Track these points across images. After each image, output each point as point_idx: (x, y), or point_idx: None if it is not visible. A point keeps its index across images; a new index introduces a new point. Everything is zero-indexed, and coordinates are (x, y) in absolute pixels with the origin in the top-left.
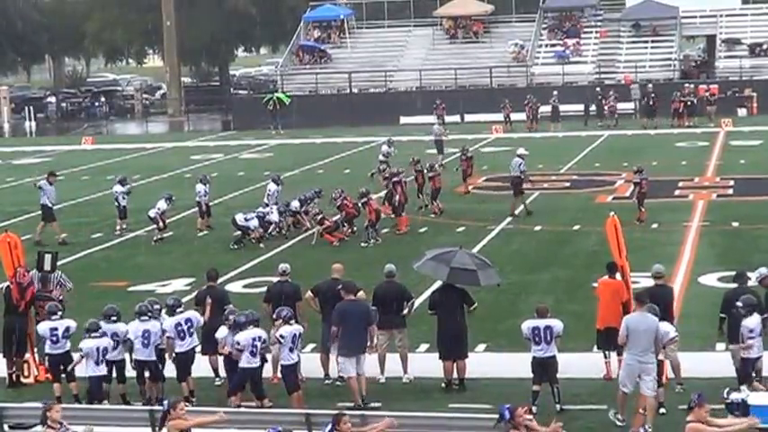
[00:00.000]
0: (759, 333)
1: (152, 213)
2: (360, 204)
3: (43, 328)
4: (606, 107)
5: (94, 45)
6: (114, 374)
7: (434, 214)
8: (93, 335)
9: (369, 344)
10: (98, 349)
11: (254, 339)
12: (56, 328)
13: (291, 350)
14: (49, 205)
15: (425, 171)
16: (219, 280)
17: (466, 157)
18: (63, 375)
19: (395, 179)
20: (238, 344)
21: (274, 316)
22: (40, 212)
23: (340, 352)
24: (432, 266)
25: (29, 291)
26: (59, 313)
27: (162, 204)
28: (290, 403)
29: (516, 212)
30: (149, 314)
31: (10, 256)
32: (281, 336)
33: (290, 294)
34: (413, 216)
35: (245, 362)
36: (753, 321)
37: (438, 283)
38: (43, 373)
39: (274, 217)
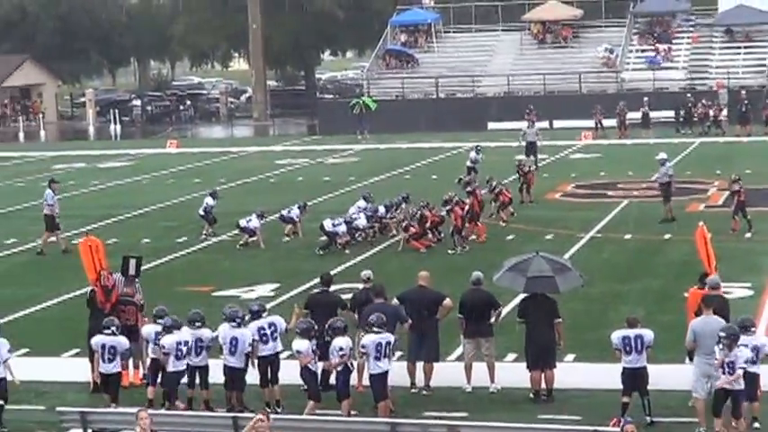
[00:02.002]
0: None
1: (242, 223)
2: (445, 211)
3: (148, 330)
4: (696, 114)
5: (180, 48)
6: (198, 380)
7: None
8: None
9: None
10: (178, 344)
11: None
12: (160, 332)
13: (378, 359)
14: (50, 213)
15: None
16: (304, 286)
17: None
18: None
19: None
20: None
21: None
22: (123, 217)
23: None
24: (509, 278)
25: (113, 293)
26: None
27: (255, 221)
28: (377, 412)
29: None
30: (238, 321)
31: (92, 259)
32: (362, 345)
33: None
34: (491, 222)
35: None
36: None
37: None
38: (137, 377)
39: (362, 222)
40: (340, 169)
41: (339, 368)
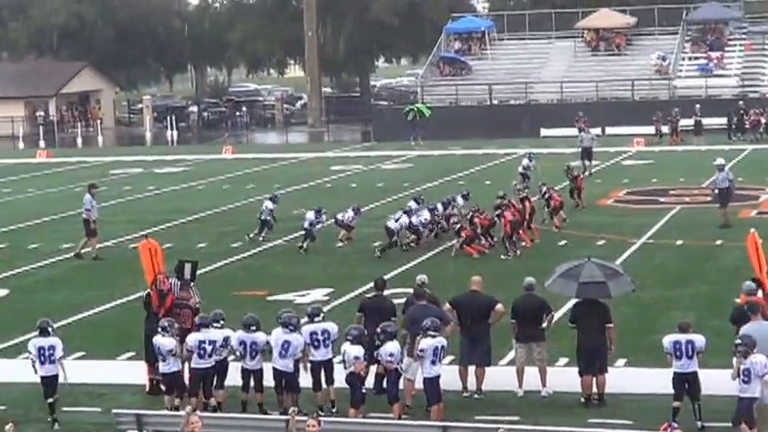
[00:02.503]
0: None
1: (339, 216)
2: (495, 216)
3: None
4: (748, 121)
5: (237, 55)
6: (252, 383)
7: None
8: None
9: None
10: (201, 342)
11: (201, 342)
12: (204, 341)
13: (433, 363)
14: (86, 218)
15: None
16: (357, 291)
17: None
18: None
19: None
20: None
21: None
22: (178, 222)
23: (408, 355)
24: (561, 284)
25: (168, 298)
26: (221, 322)
27: (350, 214)
28: (430, 415)
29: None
30: (292, 327)
31: (151, 262)
32: (420, 349)
33: None
34: (543, 228)
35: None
36: None
37: None
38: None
39: (426, 215)
40: (394, 175)
41: (389, 372)
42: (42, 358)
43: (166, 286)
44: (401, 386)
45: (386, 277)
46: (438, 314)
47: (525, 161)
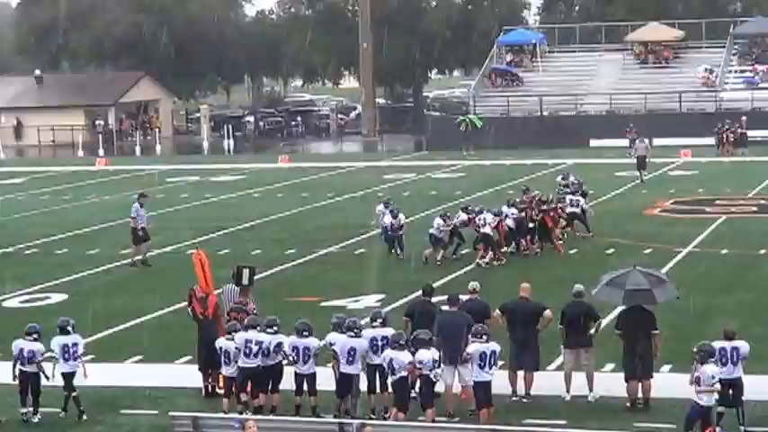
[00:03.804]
0: None
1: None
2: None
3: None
4: None
5: (292, 66)
6: (306, 387)
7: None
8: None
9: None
10: (247, 341)
11: (247, 341)
12: (250, 340)
13: (482, 367)
14: (136, 227)
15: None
16: (409, 297)
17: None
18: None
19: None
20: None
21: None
22: (234, 228)
23: (442, 360)
24: (607, 292)
25: (210, 299)
26: (274, 328)
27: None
28: (480, 419)
29: None
30: (356, 331)
31: (202, 272)
32: (467, 353)
33: (479, 312)
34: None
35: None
36: None
37: None
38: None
39: (489, 217)
40: (446, 184)
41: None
42: (66, 355)
43: (202, 292)
44: (441, 390)
45: (438, 283)
46: (466, 321)
47: (560, 178)
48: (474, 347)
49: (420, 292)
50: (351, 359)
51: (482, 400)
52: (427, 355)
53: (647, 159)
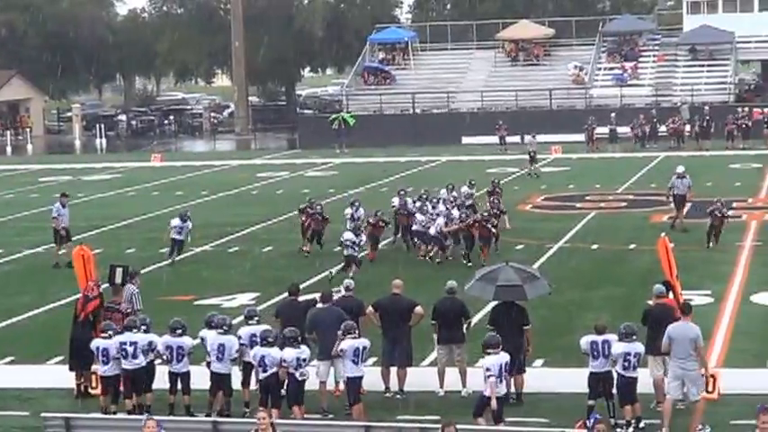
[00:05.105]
0: None
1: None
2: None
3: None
4: (668, 130)
5: (165, 65)
6: (180, 386)
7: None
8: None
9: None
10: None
11: (122, 344)
12: (125, 342)
13: (355, 363)
14: (57, 227)
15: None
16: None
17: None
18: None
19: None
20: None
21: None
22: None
23: (317, 357)
24: (479, 287)
25: (90, 303)
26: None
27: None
28: (352, 415)
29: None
30: (225, 328)
31: (83, 269)
32: (341, 349)
33: (353, 309)
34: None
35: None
36: None
37: None
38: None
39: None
40: (319, 182)
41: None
42: None
43: (94, 293)
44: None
45: (311, 282)
46: (340, 316)
47: (465, 188)
48: (347, 344)
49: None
50: (220, 356)
51: (355, 395)
52: (292, 353)
53: (536, 155)
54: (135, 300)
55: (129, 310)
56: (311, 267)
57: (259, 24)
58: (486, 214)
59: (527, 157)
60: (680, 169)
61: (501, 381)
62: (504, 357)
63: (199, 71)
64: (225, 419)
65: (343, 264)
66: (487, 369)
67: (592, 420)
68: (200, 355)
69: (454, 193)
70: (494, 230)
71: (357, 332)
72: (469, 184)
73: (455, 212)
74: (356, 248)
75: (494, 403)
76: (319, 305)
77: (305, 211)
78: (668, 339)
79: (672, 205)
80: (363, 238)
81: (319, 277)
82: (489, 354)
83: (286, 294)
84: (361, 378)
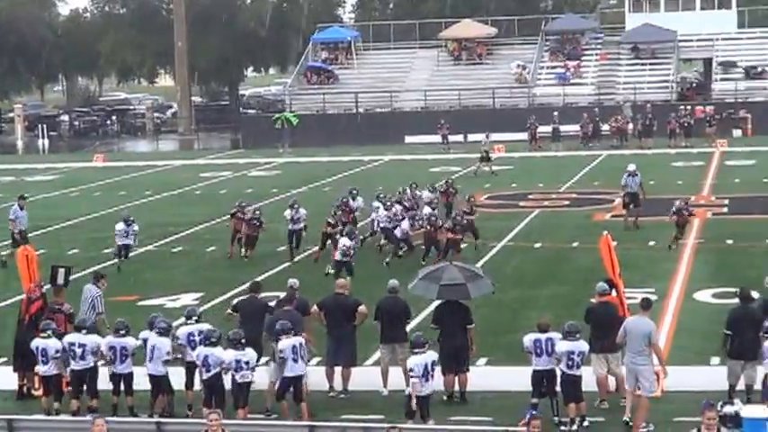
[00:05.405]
0: None
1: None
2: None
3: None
4: (610, 129)
5: (107, 65)
6: (123, 387)
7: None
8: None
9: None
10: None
11: (70, 344)
12: (73, 343)
13: (296, 361)
14: (13, 230)
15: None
16: (227, 295)
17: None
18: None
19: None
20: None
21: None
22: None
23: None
24: (423, 286)
25: (34, 305)
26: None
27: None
28: (298, 414)
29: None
30: (158, 330)
31: (27, 269)
32: (280, 350)
33: (298, 308)
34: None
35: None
36: None
37: None
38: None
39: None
40: (262, 181)
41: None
42: None
43: (36, 294)
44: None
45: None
46: (297, 320)
47: (427, 193)
48: (284, 344)
49: (240, 288)
50: (152, 357)
51: (296, 394)
52: (232, 355)
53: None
54: (97, 303)
55: (71, 311)
56: (254, 268)
57: (202, 24)
58: (458, 218)
59: (478, 156)
60: (631, 167)
61: (427, 380)
62: (430, 357)
63: (141, 71)
64: (168, 420)
65: (334, 271)
66: (411, 369)
67: (527, 416)
68: (142, 356)
69: (417, 192)
70: (458, 236)
71: (293, 331)
72: (431, 188)
73: (426, 210)
74: (352, 252)
75: (413, 403)
76: (287, 307)
77: (235, 216)
78: (623, 332)
79: (621, 203)
80: (360, 239)
81: (267, 275)
82: (415, 353)
83: (237, 292)
84: (301, 377)
